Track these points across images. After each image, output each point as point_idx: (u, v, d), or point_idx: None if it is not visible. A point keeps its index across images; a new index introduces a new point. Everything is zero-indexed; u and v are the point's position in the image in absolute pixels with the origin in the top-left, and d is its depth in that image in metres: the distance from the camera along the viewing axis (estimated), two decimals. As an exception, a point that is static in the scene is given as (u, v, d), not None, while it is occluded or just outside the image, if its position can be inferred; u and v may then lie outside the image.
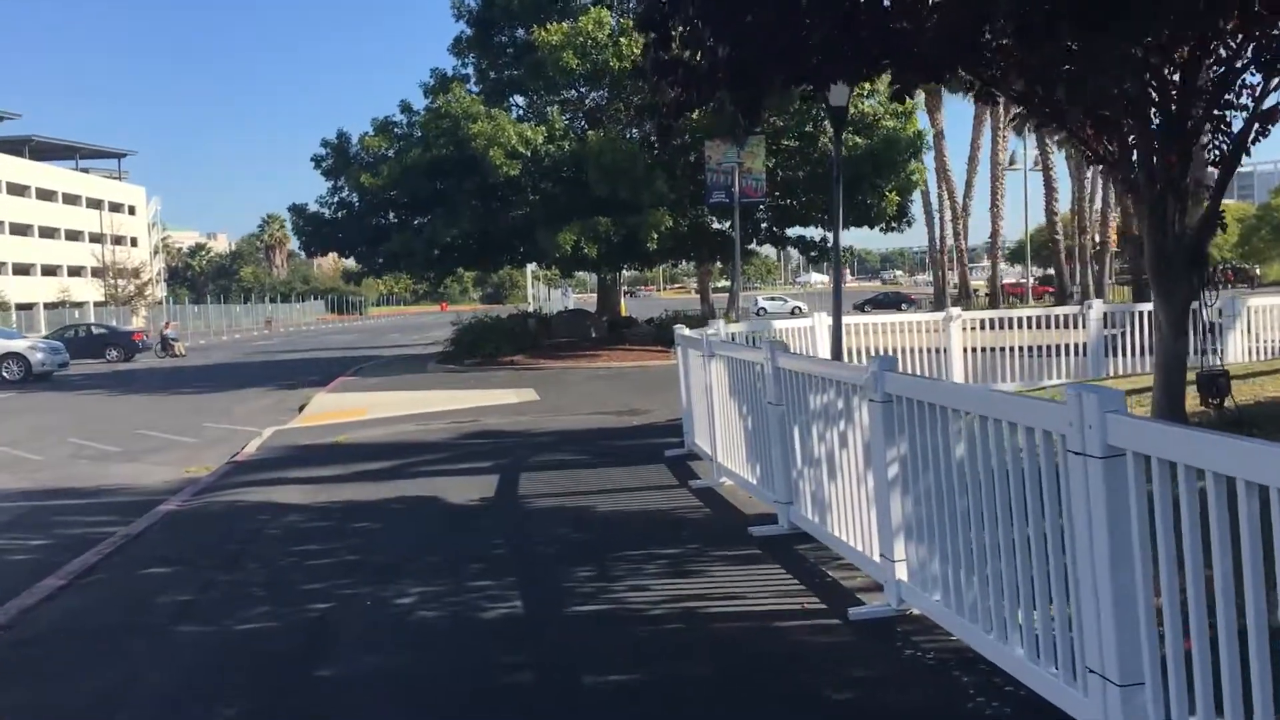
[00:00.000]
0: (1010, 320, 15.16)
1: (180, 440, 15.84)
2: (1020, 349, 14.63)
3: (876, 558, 5.32)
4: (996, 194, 41.63)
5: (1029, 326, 15.13)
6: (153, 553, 8.02)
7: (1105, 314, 14.63)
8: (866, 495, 5.50)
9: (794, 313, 76.49)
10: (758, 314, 60.25)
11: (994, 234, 42.65)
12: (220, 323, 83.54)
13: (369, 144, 27.51)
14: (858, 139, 26.23)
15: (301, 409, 19.18)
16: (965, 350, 14.40)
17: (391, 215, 29.25)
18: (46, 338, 38.92)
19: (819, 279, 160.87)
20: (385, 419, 16.35)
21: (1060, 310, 15.02)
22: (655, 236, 24.37)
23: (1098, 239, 33.83)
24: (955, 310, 14.48)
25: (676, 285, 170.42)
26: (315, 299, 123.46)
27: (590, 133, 24.96)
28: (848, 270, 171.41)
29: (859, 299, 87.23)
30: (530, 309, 44.81)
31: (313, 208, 29.43)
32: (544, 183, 26.35)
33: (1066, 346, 14.61)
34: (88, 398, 24.78)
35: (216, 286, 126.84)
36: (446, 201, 26.77)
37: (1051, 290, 59.28)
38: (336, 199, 29.49)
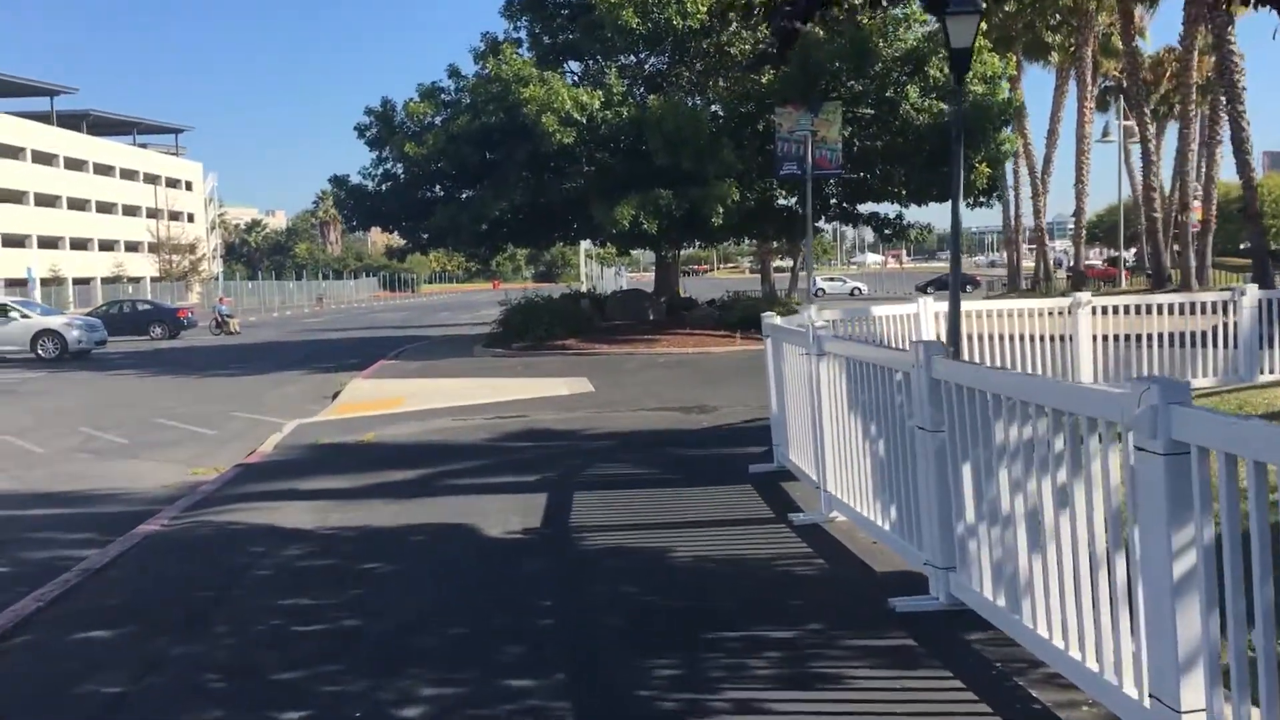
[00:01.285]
0: (1138, 307, 12.95)
1: (198, 433, 14.20)
2: (1158, 339, 12.46)
3: (1146, 700, 3.33)
4: (1082, 169, 38.96)
5: (1162, 313, 12.92)
6: (107, 600, 6.26)
7: (1262, 301, 12.39)
8: (1112, 590, 3.53)
9: (853, 294, 74.05)
10: (816, 295, 57.59)
11: (1079, 211, 39.96)
12: (274, 299, 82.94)
13: (414, 110, 25.69)
14: (942, 105, 23.93)
15: (335, 396, 17.52)
16: (1095, 339, 12.28)
17: (438, 188, 27.45)
18: (88, 314, 37.80)
19: (874, 259, 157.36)
20: (422, 412, 14.57)
21: (1205, 296, 12.81)
22: (720, 211, 22.32)
23: (1196, 218, 31.13)
24: (1084, 295, 12.34)
25: (730, 265, 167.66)
26: (368, 276, 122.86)
27: (652, 98, 22.93)
28: (903, 251, 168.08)
29: (920, 280, 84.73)
30: (583, 288, 42.97)
31: (355, 180, 27.73)
32: (600, 152, 24.37)
33: (1209, 336, 12.43)
34: (118, 379, 23.37)
35: (271, 263, 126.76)
36: (495, 173, 24.92)
37: (1111, 272, 56.34)
38: (381, 170, 27.74)
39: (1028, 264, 55.63)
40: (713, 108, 24.80)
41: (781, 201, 27.81)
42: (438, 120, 25.86)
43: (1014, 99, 25.05)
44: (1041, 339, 12.26)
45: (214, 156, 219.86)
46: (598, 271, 70.12)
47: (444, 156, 24.80)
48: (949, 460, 4.92)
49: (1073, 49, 38.66)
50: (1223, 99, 30.84)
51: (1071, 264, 57.07)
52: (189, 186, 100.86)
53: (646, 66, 27.52)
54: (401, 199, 27.02)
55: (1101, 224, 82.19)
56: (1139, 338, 12.40)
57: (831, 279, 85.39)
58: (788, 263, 69.23)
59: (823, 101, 23.53)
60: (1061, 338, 12.30)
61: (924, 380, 5.02)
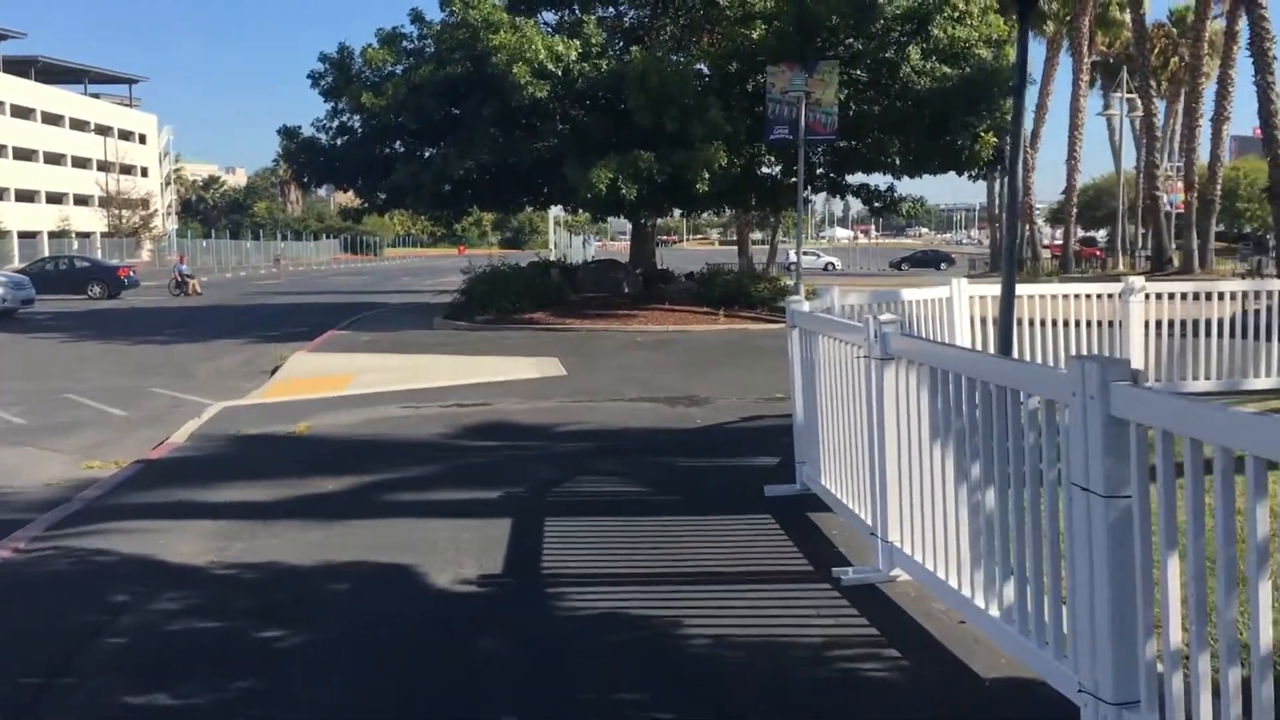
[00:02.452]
0: (1195, 294, 11.28)
1: (108, 413, 12.26)
2: (1216, 328, 10.84)
3: None
4: (1075, 144, 37.45)
5: (1222, 299, 11.26)
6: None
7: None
8: None
9: (827, 269, 72.38)
10: (788, 268, 56.00)
11: (1069, 189, 38.43)
12: (230, 259, 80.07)
13: (372, 58, 23.55)
14: (945, 68, 22.17)
15: (274, 372, 15.60)
16: (1147, 326, 10.65)
17: (398, 144, 25.34)
18: (17, 271, 35.36)
19: (844, 234, 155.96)
20: (369, 396, 12.69)
21: (1272, 284, 11.17)
22: (706, 177, 20.46)
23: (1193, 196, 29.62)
24: (1137, 281, 10.65)
25: (699, 236, 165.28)
26: (329, 237, 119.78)
27: (634, 49, 20.97)
28: (872, 226, 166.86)
29: (894, 256, 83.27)
30: (552, 257, 41.00)
31: (308, 132, 25.57)
32: (576, 109, 22.44)
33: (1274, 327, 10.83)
34: (37, 343, 21.27)
35: (229, 222, 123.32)
36: (461, 129, 22.88)
37: (1097, 253, 55.15)
38: (336, 123, 25.60)
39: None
40: (697, 66, 22.87)
41: (765, 170, 26.01)
42: (398, 70, 23.76)
43: (1005, 69, 23.30)
44: (1084, 325, 10.65)
45: (172, 110, 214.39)
46: (565, 240, 68.04)
47: (404, 109, 22.74)
48: (1135, 543, 3.19)
49: (1069, 18, 37.03)
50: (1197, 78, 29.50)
51: (1046, 244, 55.97)
52: (143, 140, 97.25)
53: (626, 19, 25.54)
54: (358, 154, 24.91)
55: (1081, 201, 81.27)
56: (1194, 326, 10.80)
57: (805, 253, 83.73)
58: (760, 235, 67.62)
59: (819, 61, 21.71)
60: (1109, 324, 10.68)
61: (1095, 418, 3.26)
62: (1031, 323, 10.40)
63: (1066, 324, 10.57)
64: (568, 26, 24.22)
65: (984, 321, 10.18)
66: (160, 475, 8.45)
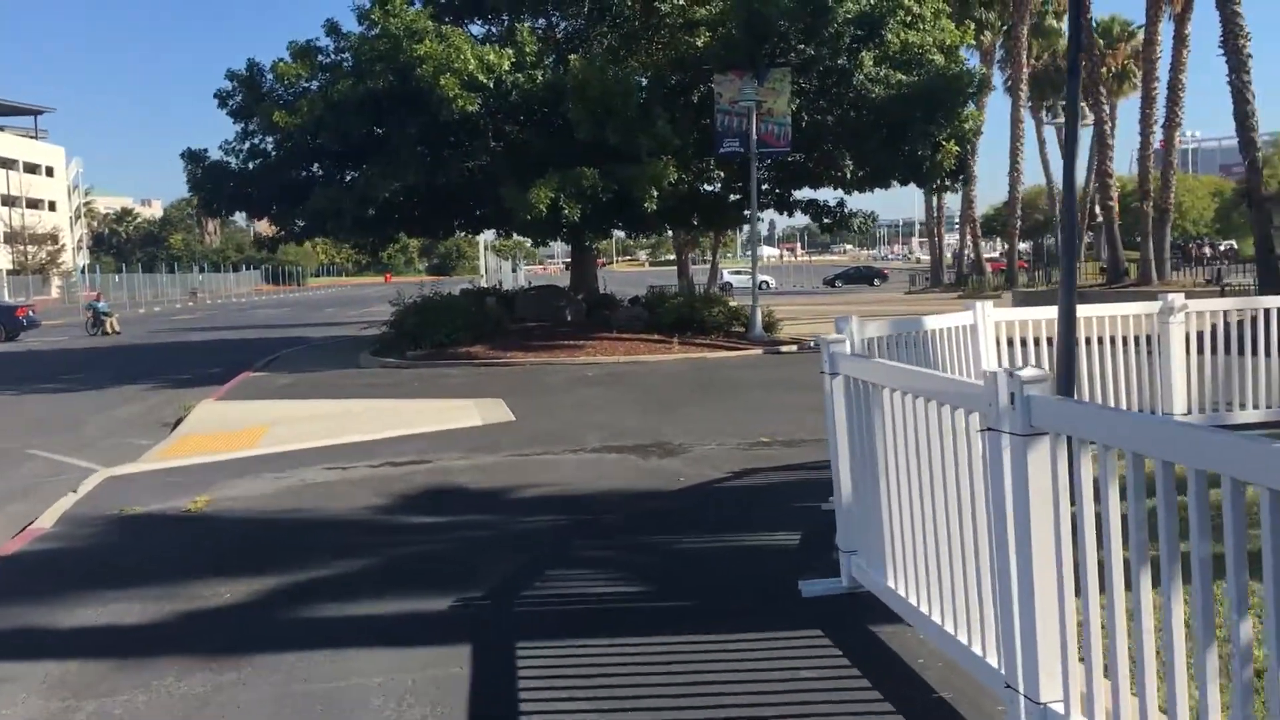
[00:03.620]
0: (1240, 312, 9.92)
1: (-34, 487, 10.22)
2: (1263, 349, 9.48)
3: None
4: (1016, 155, 36.61)
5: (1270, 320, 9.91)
6: None
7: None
8: None
9: (762, 287, 71.37)
10: (723, 289, 54.71)
11: (1012, 200, 37.57)
12: (145, 294, 76.80)
13: (284, 72, 21.61)
14: (900, 75, 20.92)
15: (178, 424, 13.62)
16: (1188, 349, 9.26)
17: (316, 166, 23.46)
18: (-98, 314, 32.56)
19: (771, 252, 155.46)
20: (286, 455, 10.82)
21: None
22: (655, 194, 18.89)
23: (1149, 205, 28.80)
24: (1177, 299, 9.25)
25: (628, 258, 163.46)
26: (250, 268, 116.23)
27: (573, 58, 19.36)
28: (798, 245, 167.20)
29: (825, 274, 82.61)
30: (485, 283, 39.18)
31: (216, 155, 23.51)
32: (510, 124, 20.75)
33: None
34: (-89, 398, 18.90)
35: (144, 255, 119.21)
36: (385, 148, 21.06)
37: (1024, 265, 54.73)
38: (247, 146, 23.62)
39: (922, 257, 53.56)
40: (639, 77, 21.34)
41: (708, 186, 24.56)
42: (314, 85, 21.88)
43: (979, 71, 22.22)
44: (1111, 342, 9.24)
45: (84, 143, 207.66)
46: (495, 265, 66.07)
47: (322, 128, 20.83)
48: None
49: (1006, 27, 36.29)
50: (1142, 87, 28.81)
51: (973, 258, 55.55)
52: (50, 172, 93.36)
53: (559, 30, 23.92)
54: (272, 179, 22.94)
55: (999, 216, 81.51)
56: (1239, 347, 9.43)
57: (738, 272, 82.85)
58: (692, 254, 66.26)
59: (769, 68, 20.34)
60: (1139, 340, 9.28)
61: None
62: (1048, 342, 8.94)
63: (1100, 341, 9.17)
64: (497, 38, 22.58)
65: (1011, 345, 8.71)
66: (6, 583, 6.55)
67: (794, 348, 20.33)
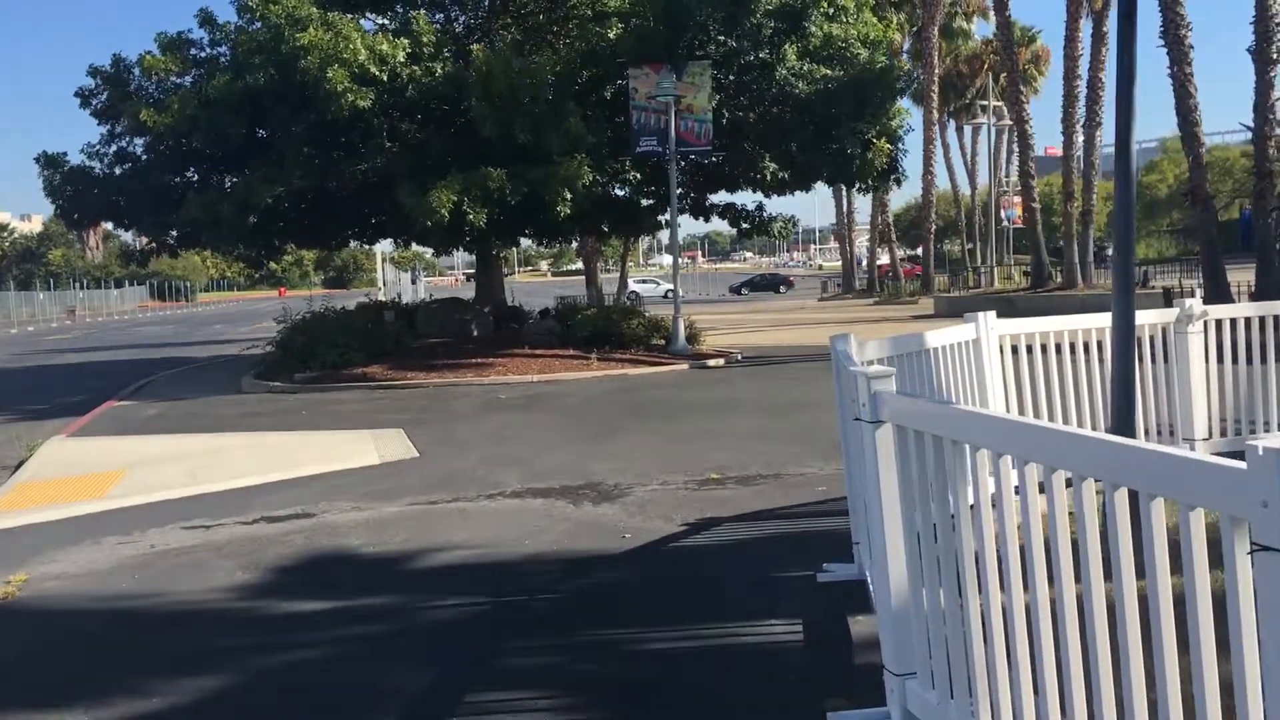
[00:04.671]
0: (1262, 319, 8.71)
1: None
2: None
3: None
4: (929, 159, 35.98)
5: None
6: None
7: None
8: None
9: (666, 296, 70.03)
10: (630, 299, 53.29)
11: (927, 204, 36.86)
12: (21, 312, 72.18)
13: (152, 66, 19.46)
14: (826, 69, 19.71)
15: (18, 468, 11.54)
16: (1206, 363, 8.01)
17: (191, 171, 21.31)
18: None
19: (670, 260, 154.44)
20: (138, 509, 8.93)
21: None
22: (568, 197, 17.28)
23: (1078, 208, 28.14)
24: (1195, 305, 7.98)
25: (529, 268, 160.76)
26: (135, 284, 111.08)
27: (476, 48, 17.63)
28: (698, 253, 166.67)
29: (735, 281, 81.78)
30: (383, 296, 37.03)
31: (78, 160, 21.19)
32: (407, 122, 18.91)
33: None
34: None
35: (21, 271, 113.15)
36: (268, 150, 19.11)
37: (918, 270, 54.57)
38: (113, 149, 21.37)
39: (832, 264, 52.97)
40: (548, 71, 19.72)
41: (619, 190, 23.01)
42: (188, 80, 19.79)
43: (902, 65, 21.13)
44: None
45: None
46: (394, 277, 63.56)
47: (196, 129, 18.76)
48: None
49: (916, 29, 35.61)
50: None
51: (888, 263, 55.21)
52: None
53: (457, 24, 22.16)
54: (143, 186, 20.70)
55: (899, 222, 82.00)
56: (1260, 355, 8.21)
57: (644, 281, 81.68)
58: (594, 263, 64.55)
59: (688, 62, 18.91)
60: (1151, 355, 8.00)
61: None
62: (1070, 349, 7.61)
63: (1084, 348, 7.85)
64: (391, 32, 20.72)
65: (1016, 354, 7.34)
66: None
67: (720, 361, 18.89)
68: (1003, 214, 55.56)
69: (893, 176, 20.76)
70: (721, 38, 18.77)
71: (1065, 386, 7.36)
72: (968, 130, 62.05)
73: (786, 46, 19.40)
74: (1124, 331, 5.16)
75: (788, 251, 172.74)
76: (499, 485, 9.08)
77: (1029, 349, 7.35)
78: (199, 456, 11.45)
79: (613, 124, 20.04)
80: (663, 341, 20.13)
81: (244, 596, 6.26)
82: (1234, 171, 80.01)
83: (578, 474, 9.35)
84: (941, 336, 6.65)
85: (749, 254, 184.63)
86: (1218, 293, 18.07)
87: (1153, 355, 7.79)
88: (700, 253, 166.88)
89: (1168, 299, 19.69)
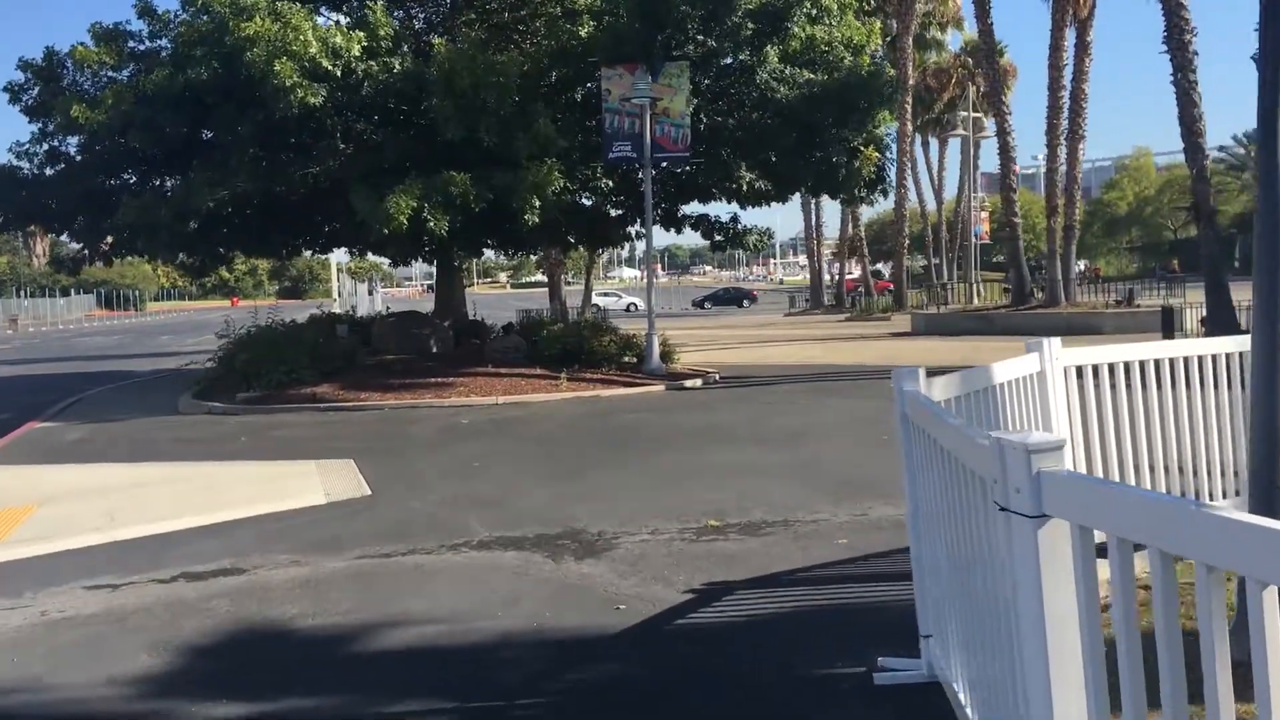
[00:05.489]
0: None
1: None
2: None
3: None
4: (903, 171, 35.18)
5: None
6: None
7: None
8: None
9: (629, 309, 68.78)
10: (593, 312, 52.19)
11: (900, 218, 36.00)
12: (-41, 321, 69.73)
13: (84, 58, 18.00)
14: (809, 73, 18.67)
15: (-87, 505, 10.08)
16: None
17: (130, 173, 19.86)
18: None
19: (631, 274, 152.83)
20: (36, 562, 7.57)
21: None
22: (537, 205, 16.04)
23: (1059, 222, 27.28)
24: None
25: (488, 280, 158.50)
26: (82, 292, 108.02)
27: (438, 42, 16.36)
28: (659, 266, 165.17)
29: (697, 295, 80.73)
30: (337, 309, 35.56)
31: (4, 159, 19.66)
32: (362, 122, 17.61)
33: None
34: None
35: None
36: (211, 151, 17.73)
37: (889, 285, 53.93)
38: (44, 148, 19.85)
39: (793, 279, 52.06)
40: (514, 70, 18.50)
41: (586, 199, 21.77)
42: (124, 74, 18.35)
43: (888, 70, 20.14)
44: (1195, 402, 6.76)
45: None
46: (350, 288, 61.82)
47: (132, 127, 17.34)
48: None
49: (890, 39, 34.74)
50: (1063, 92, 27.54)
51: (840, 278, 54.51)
52: None
53: (416, 20, 20.89)
54: (75, 188, 19.21)
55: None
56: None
57: (605, 294, 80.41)
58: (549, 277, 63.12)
59: (665, 61, 17.77)
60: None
61: None
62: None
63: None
64: (346, 26, 19.40)
65: (1083, 386, 6.18)
66: None
67: (698, 382, 17.69)
68: (971, 230, 55.01)
69: (879, 187, 19.74)
70: (700, 36, 17.64)
71: (1153, 427, 6.21)
72: (933, 145, 61.60)
73: (768, 48, 18.34)
74: (1268, 368, 4.04)
75: (747, 266, 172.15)
76: (464, 533, 7.81)
77: (1094, 377, 6.20)
78: (120, 492, 10.07)
79: (584, 128, 18.87)
80: (635, 360, 18.92)
81: (143, 694, 4.96)
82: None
83: (554, 519, 8.11)
84: (1006, 371, 5.49)
85: (708, 268, 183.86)
86: (1220, 310, 17.21)
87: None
88: (660, 266, 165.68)
89: (1168, 319, 18.82)
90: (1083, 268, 50.18)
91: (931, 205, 60.76)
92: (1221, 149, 72.91)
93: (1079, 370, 6.07)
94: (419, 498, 9.22)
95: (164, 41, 18.66)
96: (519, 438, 12.64)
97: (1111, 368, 6.18)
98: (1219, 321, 17.03)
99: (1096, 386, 6.09)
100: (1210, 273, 17.36)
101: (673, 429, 12.81)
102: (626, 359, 18.88)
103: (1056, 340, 6.00)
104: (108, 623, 6.08)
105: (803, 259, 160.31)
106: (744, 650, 5.09)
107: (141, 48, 19.15)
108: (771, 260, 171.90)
